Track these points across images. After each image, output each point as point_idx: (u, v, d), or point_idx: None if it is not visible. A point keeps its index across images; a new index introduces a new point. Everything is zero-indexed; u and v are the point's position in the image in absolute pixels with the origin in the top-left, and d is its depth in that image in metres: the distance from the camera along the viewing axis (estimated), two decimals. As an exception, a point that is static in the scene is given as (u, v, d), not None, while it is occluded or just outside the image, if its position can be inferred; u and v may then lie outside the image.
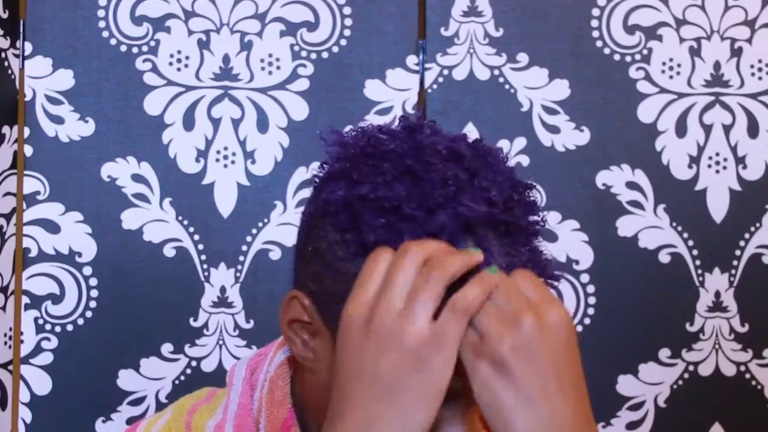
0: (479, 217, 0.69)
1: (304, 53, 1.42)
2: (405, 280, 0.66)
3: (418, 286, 0.66)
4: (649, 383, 1.41)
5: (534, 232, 0.72)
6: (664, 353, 1.42)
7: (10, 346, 1.39)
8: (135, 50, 1.41)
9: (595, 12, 1.42)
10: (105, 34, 1.41)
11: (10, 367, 1.39)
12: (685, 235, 1.42)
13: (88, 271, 1.40)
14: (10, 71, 1.39)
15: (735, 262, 1.42)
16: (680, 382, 1.42)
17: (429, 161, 0.71)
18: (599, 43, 1.42)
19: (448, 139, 0.73)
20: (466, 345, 0.66)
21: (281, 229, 1.41)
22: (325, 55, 1.42)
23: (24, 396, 1.39)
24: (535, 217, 0.73)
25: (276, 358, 0.83)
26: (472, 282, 0.67)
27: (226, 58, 1.42)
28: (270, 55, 1.42)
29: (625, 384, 1.41)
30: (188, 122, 1.41)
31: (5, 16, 1.38)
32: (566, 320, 0.67)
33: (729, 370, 1.42)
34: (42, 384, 1.39)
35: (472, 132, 1.41)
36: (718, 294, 1.42)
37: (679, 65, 1.42)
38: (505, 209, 0.71)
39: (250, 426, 0.83)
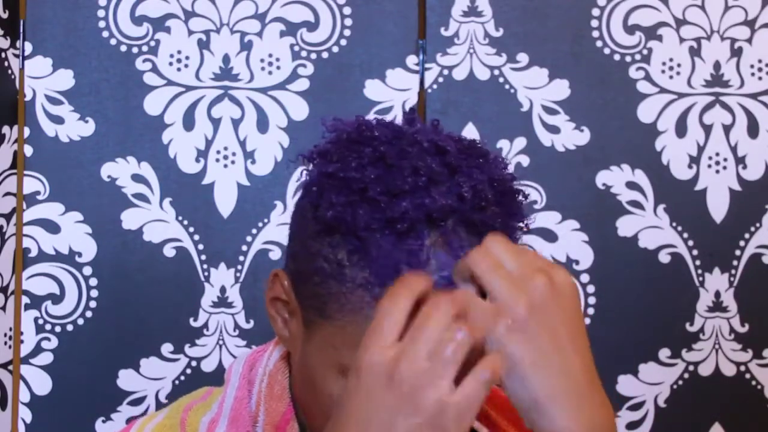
0: (444, 209, 0.70)
1: (304, 53, 1.42)
2: (432, 337, 0.65)
3: (444, 347, 0.65)
4: (649, 383, 1.41)
5: (512, 237, 0.73)
6: (664, 353, 1.42)
7: (10, 346, 1.39)
8: (135, 50, 1.41)
9: (595, 12, 1.42)
10: (105, 34, 1.41)
11: (10, 367, 1.39)
12: (685, 235, 1.42)
13: (88, 271, 1.40)
14: (10, 71, 1.39)
15: (735, 262, 1.42)
16: (680, 382, 1.42)
17: (406, 150, 0.72)
18: (599, 43, 1.42)
19: (436, 134, 0.74)
20: (481, 310, 0.67)
21: (281, 229, 1.41)
22: (325, 55, 1.42)
23: (24, 396, 1.39)
24: (517, 223, 0.74)
25: (275, 352, 0.84)
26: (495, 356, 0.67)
27: (226, 58, 1.42)
28: (270, 55, 1.42)
29: (625, 384, 1.41)
30: (188, 122, 1.41)
31: (5, 16, 1.38)
32: (572, 281, 0.70)
33: (729, 370, 1.42)
34: (42, 384, 1.39)
35: (471, 132, 1.41)
36: (718, 294, 1.42)
37: (679, 65, 1.42)
38: (478, 208, 0.71)
39: (245, 420, 0.83)
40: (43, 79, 1.41)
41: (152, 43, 1.41)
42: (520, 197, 0.75)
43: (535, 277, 0.68)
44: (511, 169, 0.76)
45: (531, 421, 0.68)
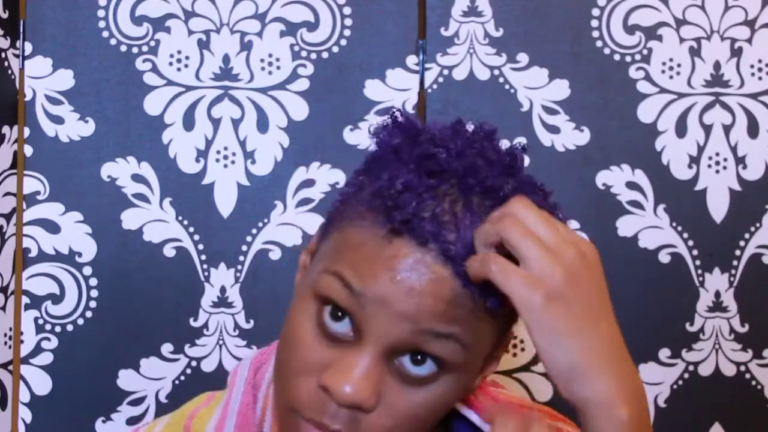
0: (474, 168, 0.76)
1: (304, 53, 1.42)
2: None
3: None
4: (649, 383, 1.41)
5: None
6: (664, 353, 1.42)
7: (10, 346, 1.39)
8: (135, 50, 1.41)
9: (595, 12, 1.42)
10: (105, 34, 1.41)
11: (10, 367, 1.39)
12: (685, 235, 1.42)
13: (88, 271, 1.40)
14: (10, 71, 1.39)
15: (735, 262, 1.42)
16: (680, 382, 1.42)
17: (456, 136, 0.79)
18: (599, 43, 1.42)
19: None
20: (519, 278, 0.70)
21: (281, 229, 1.41)
22: (325, 55, 1.42)
23: (24, 396, 1.39)
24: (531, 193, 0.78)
25: None
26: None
27: (226, 58, 1.42)
28: (270, 55, 1.42)
29: (625, 384, 1.41)
30: (188, 122, 1.41)
31: (5, 16, 1.38)
32: (598, 254, 0.74)
33: (729, 370, 1.42)
34: (42, 384, 1.39)
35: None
36: (718, 294, 1.42)
37: (679, 65, 1.42)
38: (497, 183, 0.77)
39: (251, 426, 0.84)
40: (43, 79, 1.41)
41: (152, 43, 1.41)
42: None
43: (568, 248, 0.71)
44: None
45: (567, 385, 0.70)
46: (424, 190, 0.74)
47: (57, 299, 1.40)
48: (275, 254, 1.40)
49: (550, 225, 0.72)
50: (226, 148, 1.41)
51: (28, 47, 1.40)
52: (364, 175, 0.80)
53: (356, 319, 0.75)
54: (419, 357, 0.75)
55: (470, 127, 0.80)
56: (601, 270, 0.74)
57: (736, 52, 1.43)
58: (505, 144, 0.81)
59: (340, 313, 0.76)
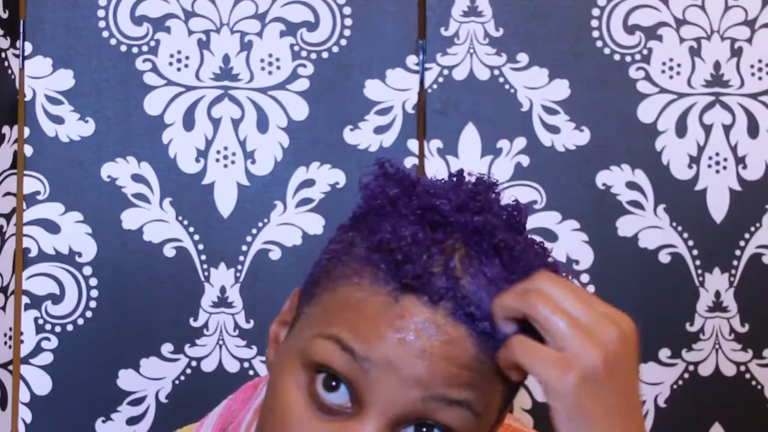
0: (479, 227, 0.70)
1: (304, 53, 1.42)
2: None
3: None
4: (649, 383, 1.41)
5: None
6: (664, 353, 1.42)
7: (10, 346, 1.39)
8: (135, 50, 1.41)
9: (595, 12, 1.42)
10: (105, 34, 1.41)
11: (10, 367, 1.39)
12: (685, 235, 1.42)
13: (88, 271, 1.40)
14: (10, 71, 1.39)
15: (735, 262, 1.42)
16: (680, 382, 1.42)
17: (461, 191, 0.73)
18: (599, 43, 1.42)
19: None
20: (548, 359, 0.66)
21: (281, 229, 1.41)
22: (325, 55, 1.42)
23: (24, 396, 1.39)
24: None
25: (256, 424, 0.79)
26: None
27: (226, 58, 1.42)
28: (270, 55, 1.42)
29: (625, 384, 1.41)
30: (188, 122, 1.41)
31: (5, 16, 1.38)
32: (635, 328, 0.68)
33: (729, 370, 1.42)
34: (42, 384, 1.39)
35: (471, 131, 1.41)
36: (718, 294, 1.42)
37: (679, 65, 1.42)
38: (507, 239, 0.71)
39: None
40: (43, 79, 1.40)
41: (152, 43, 1.41)
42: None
43: (608, 328, 0.66)
44: (521, 199, 0.75)
45: None
46: (431, 244, 0.68)
47: (57, 299, 1.40)
48: (275, 254, 1.40)
49: (585, 301, 0.67)
50: (226, 148, 1.41)
51: (28, 47, 1.40)
52: (353, 231, 0.72)
53: (357, 387, 0.67)
54: (424, 429, 0.68)
55: (470, 179, 0.74)
56: (637, 350, 0.68)
57: (736, 52, 1.43)
58: (505, 198, 0.75)
59: (334, 383, 0.68)
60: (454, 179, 0.73)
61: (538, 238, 0.76)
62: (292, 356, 0.71)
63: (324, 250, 0.75)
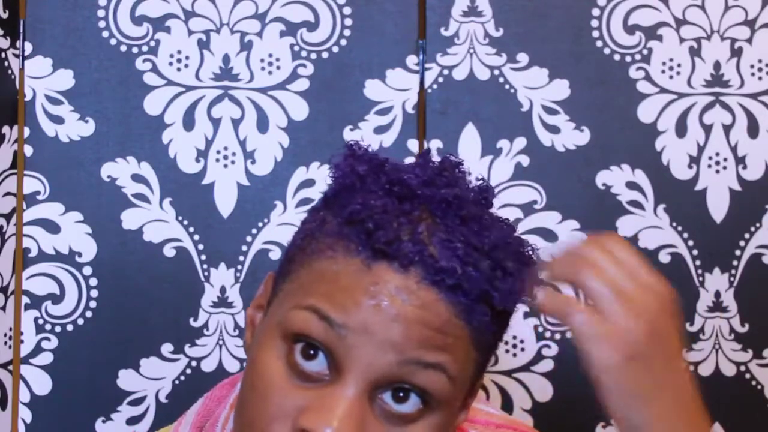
0: (446, 199, 0.71)
1: (304, 53, 1.42)
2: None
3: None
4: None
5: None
6: (664, 353, 1.41)
7: (10, 346, 1.39)
8: (135, 50, 1.41)
9: (595, 12, 1.42)
10: (105, 34, 1.41)
11: (10, 367, 1.39)
12: (685, 235, 1.42)
13: (88, 271, 1.40)
14: (10, 71, 1.39)
15: (735, 262, 1.42)
16: (680, 382, 1.42)
17: (433, 165, 0.75)
18: (599, 43, 1.42)
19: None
20: (602, 336, 0.67)
21: (281, 229, 1.41)
22: (325, 55, 1.42)
23: (24, 396, 1.39)
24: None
25: (232, 417, 0.80)
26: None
27: (226, 58, 1.42)
28: (270, 55, 1.42)
29: (625, 384, 1.41)
30: (188, 122, 1.41)
31: (5, 16, 1.38)
32: (673, 293, 0.70)
33: (729, 370, 1.42)
34: (42, 384, 1.39)
35: (471, 131, 1.41)
36: (718, 294, 1.42)
37: (679, 65, 1.42)
38: (476, 210, 0.73)
39: None
40: (43, 79, 1.40)
41: (152, 43, 1.41)
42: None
43: (650, 298, 0.67)
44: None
45: None
46: (400, 214, 0.70)
47: (57, 299, 1.40)
48: (275, 254, 1.40)
49: (631, 269, 0.68)
50: (226, 148, 1.41)
51: (28, 47, 1.40)
52: (324, 210, 0.75)
53: (335, 353, 0.69)
54: (401, 394, 0.70)
55: (436, 159, 0.76)
56: (677, 319, 0.69)
57: (736, 52, 1.43)
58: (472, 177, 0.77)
59: (312, 351, 0.70)
60: (421, 159, 0.75)
61: (505, 217, 0.77)
62: (271, 330, 0.73)
63: (297, 231, 0.77)
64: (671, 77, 1.42)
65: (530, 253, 0.73)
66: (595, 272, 0.68)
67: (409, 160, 1.40)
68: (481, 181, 0.75)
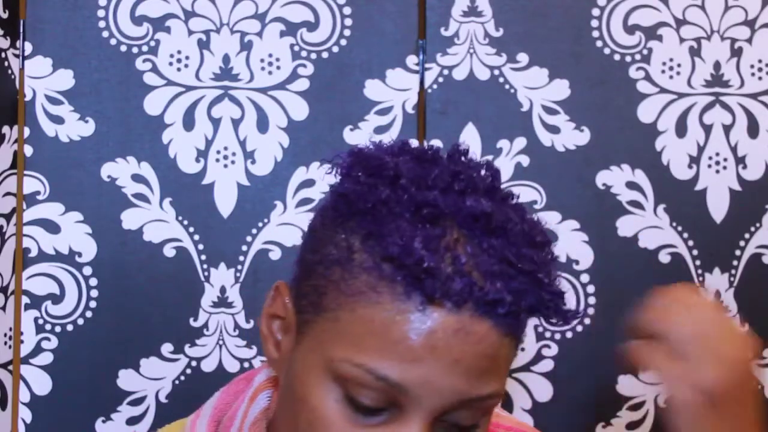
0: (474, 212, 0.70)
1: (304, 53, 1.42)
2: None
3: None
4: (649, 383, 1.41)
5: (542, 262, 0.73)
6: (664, 353, 1.41)
7: (10, 346, 1.39)
8: (135, 50, 1.41)
9: (595, 12, 1.42)
10: (105, 34, 1.41)
11: (10, 367, 1.39)
12: (685, 235, 1.42)
13: (88, 271, 1.40)
14: (10, 71, 1.39)
15: (735, 262, 1.42)
16: (680, 382, 1.42)
17: (445, 158, 0.75)
18: (599, 43, 1.42)
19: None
20: (688, 383, 0.70)
21: (281, 229, 1.41)
22: (325, 55, 1.42)
23: (24, 396, 1.39)
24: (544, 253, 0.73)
25: (250, 412, 0.80)
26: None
27: (226, 58, 1.42)
28: (270, 55, 1.42)
29: (625, 384, 1.41)
30: (188, 122, 1.41)
31: (5, 16, 1.38)
32: (752, 338, 0.73)
33: (729, 370, 1.42)
34: (42, 384, 1.39)
35: (471, 131, 1.41)
36: (718, 294, 1.42)
37: (679, 65, 1.42)
38: (506, 225, 0.72)
39: None
40: (43, 79, 1.40)
41: (152, 43, 1.41)
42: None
43: (735, 349, 0.70)
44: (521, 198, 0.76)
45: None
46: (437, 245, 0.68)
47: (57, 299, 1.40)
48: (275, 254, 1.40)
49: (718, 319, 0.71)
50: (226, 148, 1.41)
51: (28, 47, 1.40)
52: (345, 231, 0.71)
53: (396, 400, 0.69)
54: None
55: (442, 153, 0.74)
56: (753, 379, 0.72)
57: (736, 52, 1.43)
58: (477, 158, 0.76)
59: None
60: (429, 153, 0.74)
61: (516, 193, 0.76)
62: (318, 370, 0.70)
63: (310, 247, 0.74)
64: (671, 77, 1.42)
65: (545, 235, 0.73)
66: (682, 322, 0.71)
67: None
68: (486, 165, 0.75)
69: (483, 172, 0.74)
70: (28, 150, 1.40)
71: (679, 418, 0.69)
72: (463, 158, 0.74)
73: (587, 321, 1.40)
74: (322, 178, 0.75)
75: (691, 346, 0.69)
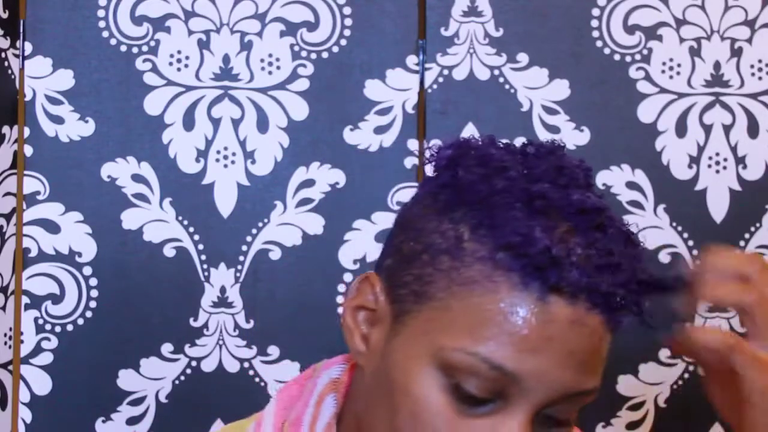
0: (586, 206, 0.73)
1: (304, 53, 1.42)
2: None
3: None
4: (649, 383, 1.41)
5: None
6: (664, 353, 1.41)
7: (10, 346, 1.39)
8: (135, 50, 1.41)
9: (595, 12, 1.42)
10: (105, 34, 1.41)
11: (10, 367, 1.39)
12: (685, 235, 1.42)
13: (88, 271, 1.40)
14: (10, 71, 1.39)
15: (735, 262, 1.42)
16: (680, 382, 1.42)
17: (551, 155, 0.75)
18: (599, 43, 1.42)
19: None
20: (754, 356, 0.73)
21: (281, 229, 1.41)
22: (325, 55, 1.42)
23: (24, 396, 1.39)
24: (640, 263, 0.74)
25: (320, 416, 0.79)
26: None
27: (226, 58, 1.42)
28: (270, 55, 1.42)
29: (625, 384, 1.41)
30: (188, 122, 1.41)
31: (5, 16, 1.38)
32: None
33: (729, 370, 1.42)
34: (42, 384, 1.39)
35: (471, 132, 1.41)
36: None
37: (679, 65, 1.42)
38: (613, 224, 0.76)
39: None
40: (43, 79, 1.40)
41: (152, 43, 1.41)
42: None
43: None
44: None
45: None
46: (553, 237, 0.68)
47: (57, 299, 1.40)
48: (275, 254, 1.40)
49: None
50: (226, 148, 1.41)
51: (28, 47, 1.40)
52: (451, 221, 0.70)
53: (504, 390, 0.68)
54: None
55: (533, 148, 0.74)
56: None
57: (736, 52, 1.43)
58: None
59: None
60: (531, 147, 0.74)
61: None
62: (422, 359, 0.69)
63: (409, 237, 0.72)
64: (671, 77, 1.42)
65: (635, 234, 0.75)
66: (762, 300, 0.73)
67: (410, 160, 1.40)
68: (580, 163, 0.76)
69: (579, 168, 0.75)
70: (28, 150, 1.40)
71: (752, 395, 0.72)
72: (564, 157, 0.75)
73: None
74: (427, 165, 0.73)
75: None
